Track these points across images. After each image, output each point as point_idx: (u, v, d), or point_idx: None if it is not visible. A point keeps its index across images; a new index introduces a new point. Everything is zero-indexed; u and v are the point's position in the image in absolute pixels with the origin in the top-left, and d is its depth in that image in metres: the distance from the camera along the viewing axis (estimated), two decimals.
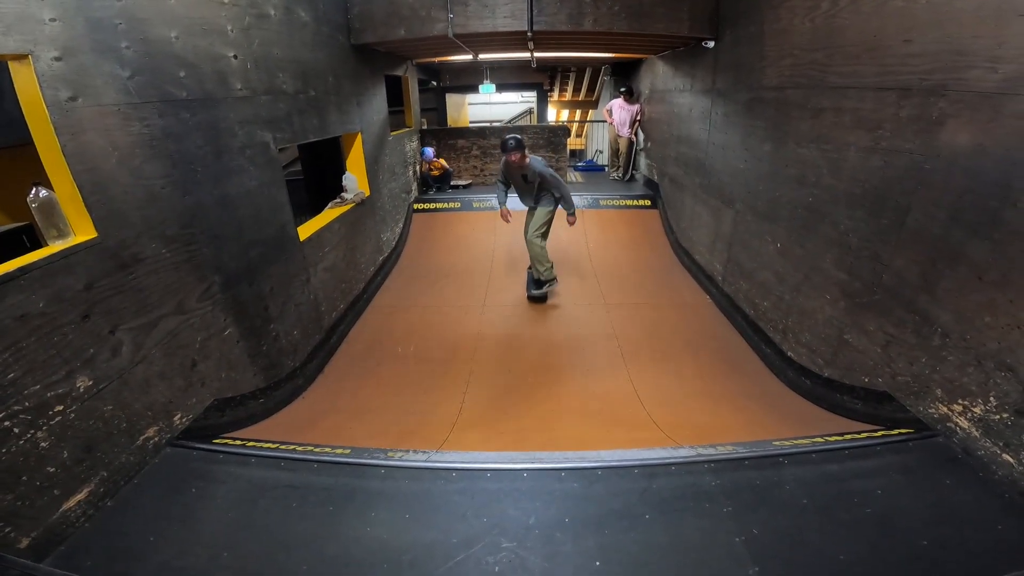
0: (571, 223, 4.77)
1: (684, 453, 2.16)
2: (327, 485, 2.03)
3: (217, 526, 1.87)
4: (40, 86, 1.76)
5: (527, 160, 4.40)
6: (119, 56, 2.06)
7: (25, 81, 1.76)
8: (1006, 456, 1.89)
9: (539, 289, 4.83)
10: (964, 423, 2.08)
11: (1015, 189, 1.85)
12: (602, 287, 5.16)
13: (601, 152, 10.64)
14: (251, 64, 2.94)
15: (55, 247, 1.87)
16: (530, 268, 5.03)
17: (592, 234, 6.28)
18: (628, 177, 7.96)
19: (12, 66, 1.74)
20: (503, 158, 4.50)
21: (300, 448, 2.27)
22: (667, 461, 2.09)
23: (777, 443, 2.23)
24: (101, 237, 1.98)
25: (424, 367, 3.79)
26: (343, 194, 4.68)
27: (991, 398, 1.96)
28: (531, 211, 4.80)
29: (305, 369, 3.51)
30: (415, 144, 7.34)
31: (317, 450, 2.26)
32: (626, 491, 1.94)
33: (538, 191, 4.64)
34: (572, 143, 13.21)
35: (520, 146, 4.30)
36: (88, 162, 1.94)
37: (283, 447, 2.29)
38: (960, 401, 2.11)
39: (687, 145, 5.51)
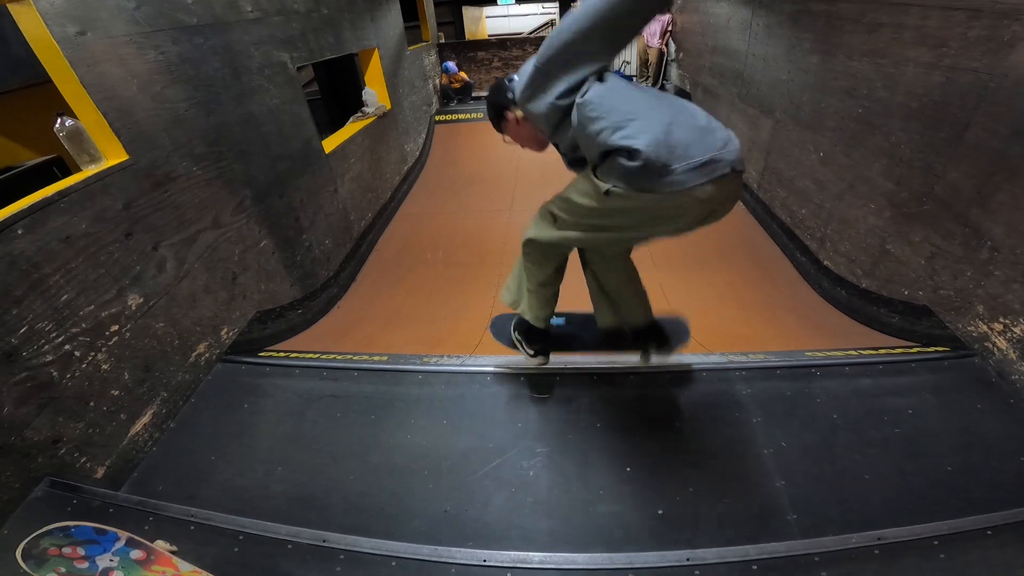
0: None
1: (715, 360, 2.18)
2: (368, 393, 2.13)
3: (271, 440, 2.00)
4: (46, 24, 1.73)
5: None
6: None
7: (30, 21, 1.73)
8: None
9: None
10: (1003, 343, 2.05)
11: None
12: None
13: (628, 63, 9.94)
14: None
15: (89, 171, 1.90)
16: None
17: None
18: (659, 87, 7.51)
19: (12, 8, 1.71)
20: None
21: (340, 357, 2.38)
22: (699, 367, 2.11)
23: (810, 354, 2.22)
24: (133, 159, 2.01)
25: (453, 272, 3.84)
26: (364, 108, 4.67)
27: None
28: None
29: (338, 278, 3.63)
30: (433, 58, 7.14)
31: (356, 358, 2.36)
32: (657, 397, 2.00)
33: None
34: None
35: None
36: (109, 91, 1.94)
37: (324, 356, 2.39)
38: (1001, 319, 2.06)
39: (723, 55, 5.17)
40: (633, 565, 1.45)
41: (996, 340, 2.07)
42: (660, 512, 1.60)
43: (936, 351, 2.22)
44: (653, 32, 7.12)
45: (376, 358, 2.35)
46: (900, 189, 2.65)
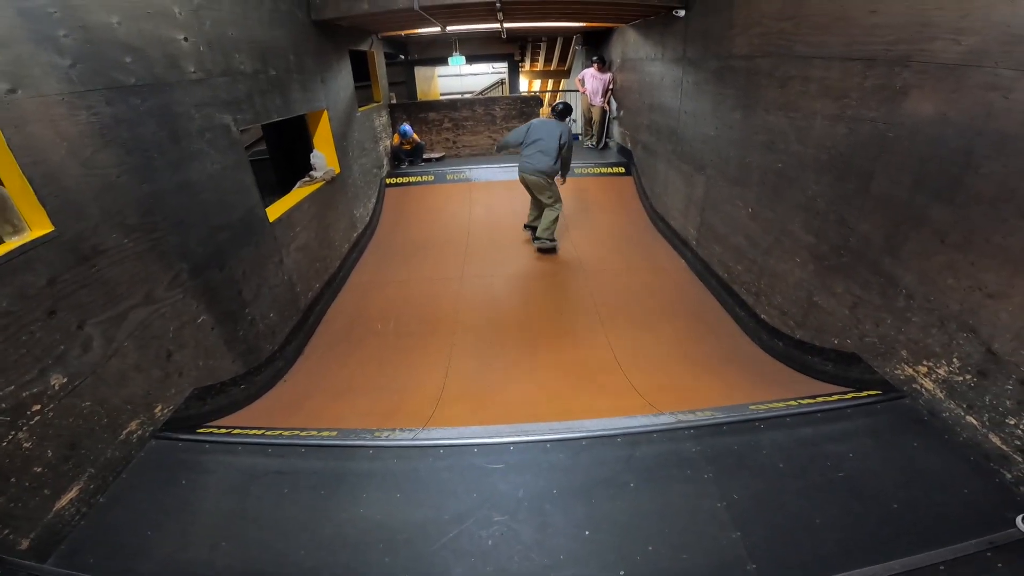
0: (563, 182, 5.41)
1: (665, 420, 2.24)
2: (316, 469, 2.04)
3: (212, 516, 1.89)
4: None
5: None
6: (57, 44, 1.95)
7: None
8: (970, 418, 1.98)
9: (543, 246, 5.33)
10: (929, 384, 2.18)
11: (977, 156, 1.91)
12: (580, 253, 5.21)
13: (575, 121, 10.52)
14: (204, 46, 2.82)
15: (11, 243, 1.79)
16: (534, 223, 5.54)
17: (568, 201, 6.28)
18: (602, 145, 7.95)
19: None
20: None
21: (286, 433, 2.27)
22: (649, 429, 2.15)
23: (753, 407, 2.32)
24: (59, 230, 1.90)
25: (405, 342, 3.78)
26: (312, 172, 4.57)
27: (954, 359, 2.06)
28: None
29: (284, 351, 3.48)
30: (384, 119, 7.20)
31: (303, 434, 2.26)
32: (611, 460, 2.01)
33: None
34: (545, 112, 13.01)
35: (569, 112, 5.18)
36: (36, 154, 1.85)
37: (269, 433, 2.28)
38: (925, 362, 2.20)
39: (659, 113, 5.51)
40: None
41: (923, 382, 2.21)
42: (622, 573, 1.59)
43: (869, 395, 2.35)
44: (595, 91, 7.47)
45: (325, 433, 2.26)
46: (820, 242, 2.86)
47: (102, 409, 2.03)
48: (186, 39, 2.67)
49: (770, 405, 2.31)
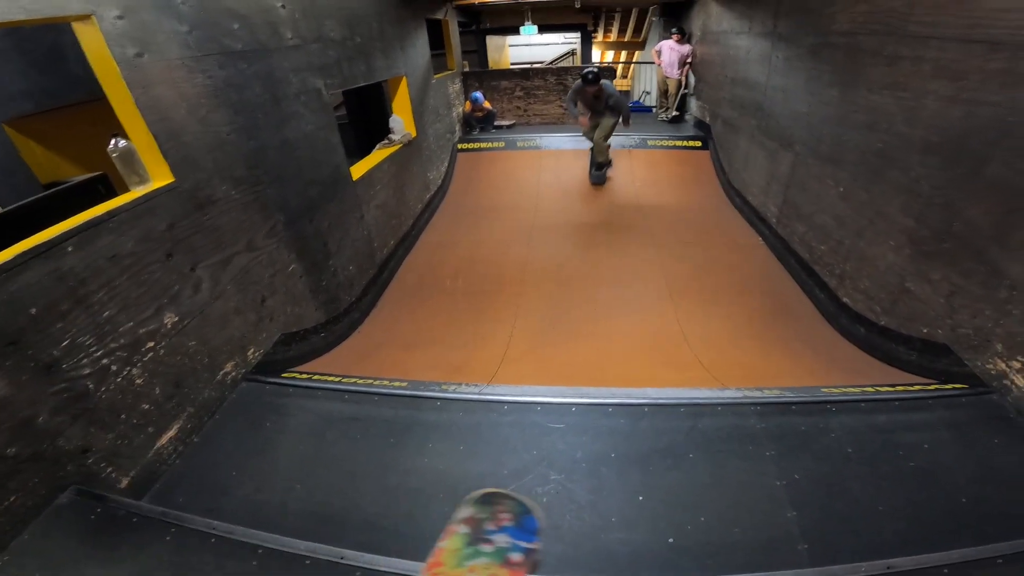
0: (627, 124, 5.82)
1: (731, 395, 2.20)
2: (387, 417, 2.19)
3: (291, 459, 2.05)
4: (108, 44, 1.84)
5: (603, 89, 5.49)
6: (176, 12, 2.14)
7: (92, 40, 1.83)
8: None
9: (600, 171, 6.13)
10: (1021, 381, 2.03)
11: None
12: (651, 225, 5.11)
13: (648, 93, 10.11)
14: (299, 13, 3.00)
15: (138, 191, 2.01)
16: (592, 153, 6.19)
17: (640, 173, 6.20)
18: (678, 118, 7.62)
19: (76, 27, 1.82)
20: (578, 86, 5.51)
21: (361, 381, 2.44)
22: (713, 401, 2.13)
23: (826, 390, 2.23)
24: (178, 181, 2.12)
25: (472, 300, 3.90)
26: (390, 135, 4.79)
27: None
28: (597, 118, 5.82)
29: (361, 303, 3.72)
30: (458, 86, 7.31)
31: (376, 383, 2.42)
32: (671, 429, 2.01)
33: (606, 107, 5.66)
34: (618, 84, 12.58)
35: (598, 79, 5.37)
36: (160, 113, 2.05)
37: (345, 380, 2.46)
38: (1020, 358, 2.04)
39: (743, 87, 5.25)
40: None
41: (1014, 378, 2.05)
42: (671, 540, 1.61)
43: (954, 388, 2.21)
44: (672, 63, 7.18)
45: (395, 383, 2.41)
46: (920, 226, 2.66)
47: (205, 349, 2.24)
48: (283, 6, 2.84)
49: (844, 389, 2.22)
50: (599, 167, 6.10)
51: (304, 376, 2.59)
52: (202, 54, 2.26)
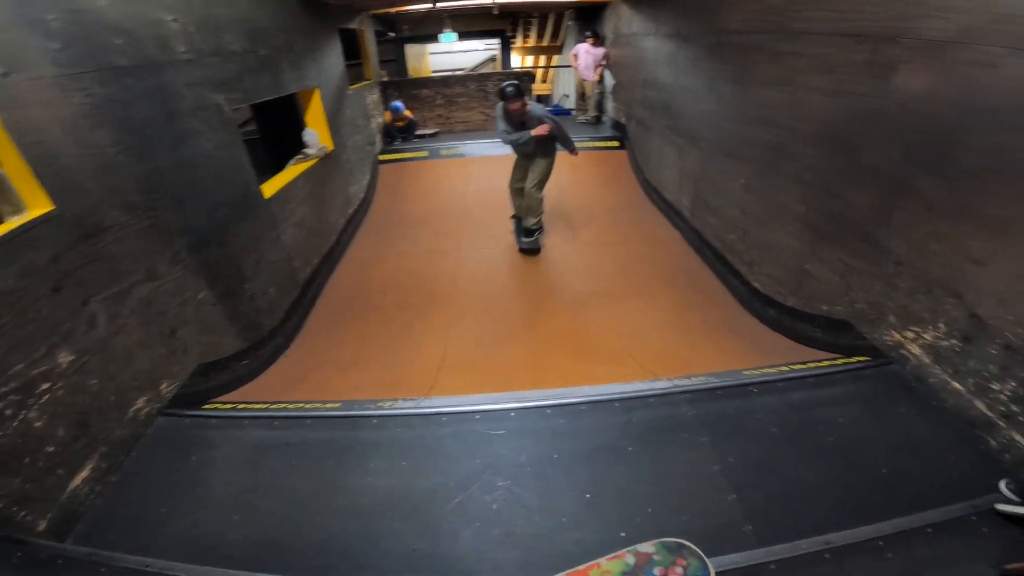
0: (574, 154, 4.72)
1: (661, 385, 2.30)
2: (323, 440, 2.10)
3: (224, 490, 1.94)
4: None
5: (527, 107, 4.22)
6: (47, 29, 1.95)
7: None
8: (955, 384, 2.05)
9: (530, 238, 4.72)
10: (916, 350, 2.25)
11: (964, 130, 1.96)
12: (575, 225, 5.25)
13: (567, 96, 10.42)
14: (192, 27, 2.83)
15: (12, 223, 1.80)
16: (514, 217, 5.04)
17: (563, 174, 6.26)
18: (596, 120, 7.91)
19: None
20: (501, 106, 4.28)
21: (291, 406, 2.32)
22: (645, 393, 2.22)
23: (747, 372, 2.38)
24: (60, 208, 1.92)
25: (405, 315, 3.81)
26: (305, 150, 4.60)
27: (940, 324, 2.12)
28: (527, 159, 4.59)
29: (285, 327, 3.53)
30: (376, 96, 7.18)
31: (308, 406, 2.31)
32: (609, 425, 2.07)
33: (536, 139, 4.38)
34: (538, 88, 12.90)
35: (520, 93, 4.12)
36: (32, 135, 1.86)
37: (273, 407, 2.33)
38: (912, 328, 2.27)
39: (653, 88, 5.50)
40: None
41: (910, 347, 2.28)
42: (623, 535, 1.65)
43: (858, 361, 2.41)
44: (588, 65, 7.39)
45: (329, 405, 2.32)
46: (812, 212, 2.90)
47: (110, 386, 2.06)
48: (175, 20, 2.67)
49: (763, 371, 2.38)
50: (529, 232, 4.71)
51: (228, 406, 2.43)
52: (79, 71, 2.06)
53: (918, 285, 2.23)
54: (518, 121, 4.27)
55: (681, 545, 0.96)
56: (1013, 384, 1.82)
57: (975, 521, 1.58)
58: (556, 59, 12.60)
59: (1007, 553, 1.46)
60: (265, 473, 1.99)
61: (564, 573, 0.88)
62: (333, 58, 5.31)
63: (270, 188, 3.71)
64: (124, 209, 2.22)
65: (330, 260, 4.66)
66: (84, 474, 1.89)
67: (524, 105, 4.15)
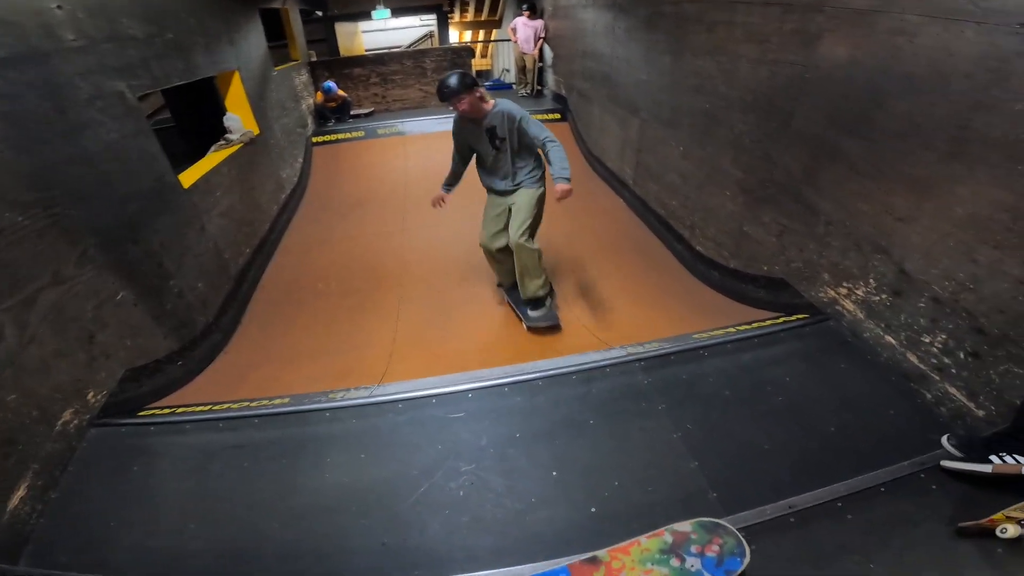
0: (563, 195, 2.69)
1: (616, 354, 2.32)
2: (274, 439, 1.99)
3: (175, 500, 1.82)
4: None
5: (489, 104, 2.72)
6: None
7: None
8: (888, 337, 2.15)
9: (539, 310, 3.08)
10: (850, 306, 2.36)
11: (884, 95, 2.06)
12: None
13: (508, 71, 10.26)
14: (82, 13, 2.58)
15: None
16: (500, 285, 3.46)
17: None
18: (536, 93, 7.85)
19: None
20: (456, 121, 2.88)
21: (235, 405, 2.18)
22: (601, 364, 2.22)
23: (696, 336, 2.44)
24: None
25: (351, 301, 3.66)
26: (227, 135, 4.34)
27: (871, 280, 2.24)
28: (501, 195, 3.03)
29: (220, 322, 3.33)
30: (305, 77, 6.86)
31: (254, 404, 2.18)
32: (568, 398, 2.06)
33: (515, 155, 2.86)
34: (478, 63, 12.64)
35: (467, 86, 2.59)
36: None
37: (216, 407, 2.18)
38: (845, 284, 2.38)
39: (592, 59, 5.51)
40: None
41: (844, 303, 2.40)
42: (593, 510, 1.65)
43: (798, 319, 2.50)
44: (527, 38, 7.33)
45: (277, 401, 2.19)
46: (747, 176, 3.00)
47: (30, 401, 1.88)
48: (59, 7, 2.43)
49: (711, 333, 2.44)
50: (535, 303, 3.08)
51: (166, 411, 2.25)
52: None
53: (847, 243, 2.34)
54: (481, 132, 2.78)
55: (717, 524, 0.98)
56: (943, 336, 1.92)
57: (923, 479, 1.65)
58: (495, 33, 12.34)
59: (958, 509, 1.52)
60: (216, 479, 1.87)
61: (606, 549, 0.89)
62: (254, 39, 5.03)
63: (189, 177, 3.48)
64: (17, 209, 1.98)
65: (265, 249, 4.43)
66: (20, 493, 1.76)
67: (481, 100, 2.67)
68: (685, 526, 1.02)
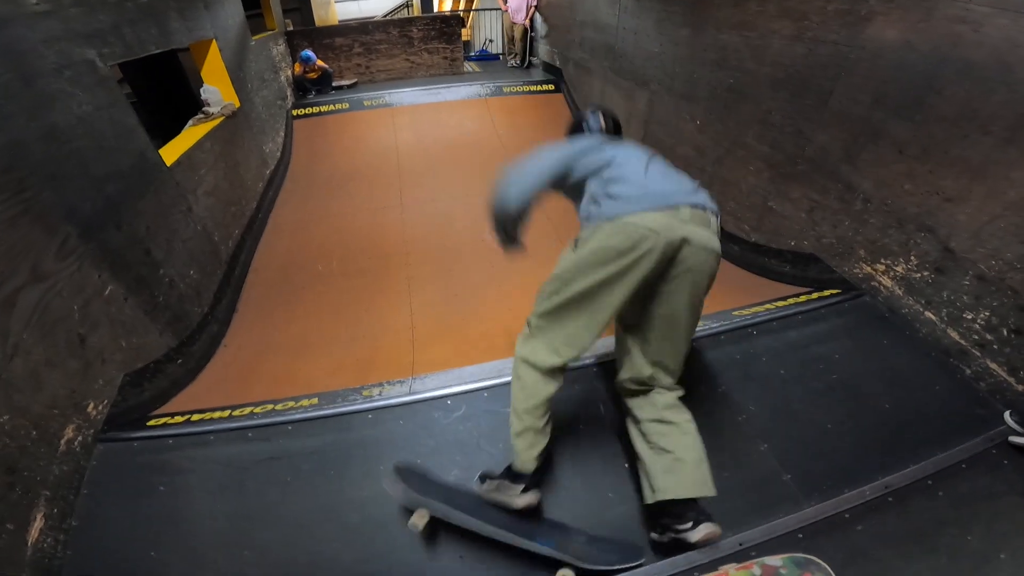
0: None
1: None
2: (313, 447, 1.79)
3: (216, 523, 1.62)
4: None
5: None
6: None
7: None
8: (928, 313, 2.14)
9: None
10: (888, 282, 2.34)
11: (940, 80, 2.01)
12: None
13: (491, 41, 9.87)
14: None
15: None
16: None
17: (500, 121, 6.07)
18: (526, 64, 7.59)
19: None
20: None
21: (259, 410, 1.97)
22: None
23: (736, 313, 2.35)
24: None
25: (356, 282, 3.43)
26: (205, 108, 3.99)
27: (912, 257, 2.21)
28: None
29: (216, 312, 3.08)
30: (282, 47, 6.44)
31: (281, 407, 1.98)
32: None
33: None
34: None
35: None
36: None
37: (237, 414, 1.97)
38: (883, 260, 2.35)
39: (593, 29, 5.32)
40: (694, 563, 1.39)
41: (881, 279, 2.37)
42: None
43: (831, 294, 2.45)
44: (519, 8, 7.11)
45: (304, 402, 2.00)
46: (775, 152, 2.93)
47: (25, 420, 1.63)
48: None
49: (752, 310, 2.36)
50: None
51: (181, 420, 2.02)
52: None
53: (887, 220, 2.31)
54: None
55: (809, 560, 0.92)
56: (986, 313, 1.93)
57: (995, 454, 1.68)
58: (478, 1, 11.84)
59: None
60: (256, 496, 1.68)
61: None
62: (230, 6, 4.63)
63: (171, 154, 3.17)
64: None
65: (254, 229, 4.15)
66: (38, 524, 1.57)
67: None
68: (776, 560, 0.97)
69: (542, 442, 1.47)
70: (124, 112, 2.66)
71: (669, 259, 1.37)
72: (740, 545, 1.44)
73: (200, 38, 3.87)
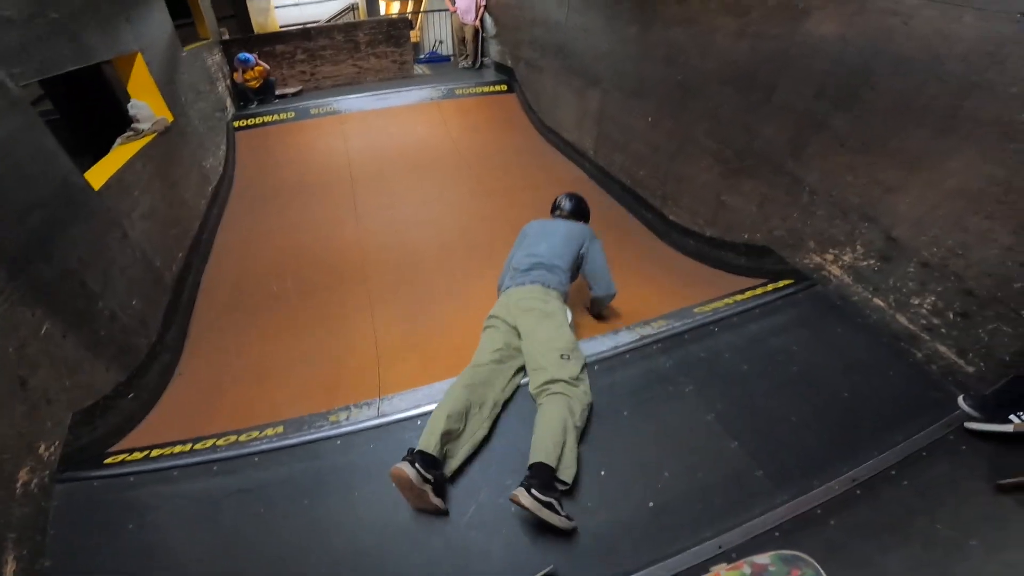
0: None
1: (629, 337, 2.24)
2: (284, 477, 1.74)
3: (195, 558, 1.57)
4: None
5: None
6: None
7: None
8: (877, 300, 2.24)
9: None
10: (836, 271, 2.44)
11: (874, 73, 2.10)
12: (477, 174, 5.01)
13: (441, 42, 9.75)
14: None
15: None
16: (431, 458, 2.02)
17: (454, 122, 6.01)
18: (478, 65, 7.53)
19: None
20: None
21: (222, 442, 1.89)
22: (619, 350, 2.14)
23: (697, 310, 2.41)
24: None
25: (313, 300, 3.31)
26: (135, 125, 3.74)
27: (858, 246, 2.31)
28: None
29: (165, 341, 2.92)
30: (218, 57, 6.12)
31: (245, 438, 1.90)
32: (596, 391, 1.95)
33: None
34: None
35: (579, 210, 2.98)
36: None
37: (199, 447, 1.88)
38: (831, 251, 2.45)
39: (543, 28, 5.32)
40: (676, 570, 1.42)
41: (830, 269, 2.47)
42: (651, 505, 1.60)
43: (785, 285, 2.55)
44: (468, 8, 6.99)
45: (269, 432, 1.92)
46: (724, 148, 3.01)
47: None
48: None
49: (712, 306, 2.43)
50: (547, 486, 1.69)
51: (140, 456, 1.92)
52: None
53: (833, 212, 2.40)
54: None
55: (796, 556, 0.97)
56: (932, 298, 2.03)
57: (953, 440, 1.74)
58: (426, 2, 11.66)
59: (990, 467, 1.62)
60: (233, 530, 1.62)
61: None
62: (156, 17, 4.40)
63: (99, 176, 2.95)
64: None
65: (200, 250, 3.95)
66: (11, 566, 1.56)
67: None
68: (764, 558, 1.02)
69: None
70: (41, 134, 2.46)
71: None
72: (720, 548, 1.48)
73: (123, 52, 3.65)
